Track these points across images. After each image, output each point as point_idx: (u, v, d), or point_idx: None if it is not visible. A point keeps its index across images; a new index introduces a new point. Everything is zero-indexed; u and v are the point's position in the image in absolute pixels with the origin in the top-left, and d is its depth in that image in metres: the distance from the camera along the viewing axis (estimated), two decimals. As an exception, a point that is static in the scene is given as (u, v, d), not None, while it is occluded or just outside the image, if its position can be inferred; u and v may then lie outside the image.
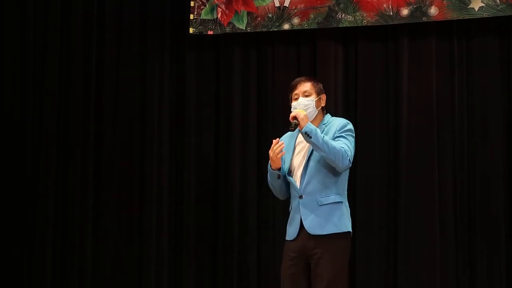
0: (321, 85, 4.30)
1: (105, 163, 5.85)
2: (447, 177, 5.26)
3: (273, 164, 4.13)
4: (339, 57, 5.53)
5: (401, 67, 5.37)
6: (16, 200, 5.89)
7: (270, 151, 4.11)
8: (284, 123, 4.20)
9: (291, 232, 4.13)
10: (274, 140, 4.13)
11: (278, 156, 4.09)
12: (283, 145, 4.10)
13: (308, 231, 4.04)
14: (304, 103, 4.15)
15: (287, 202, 4.29)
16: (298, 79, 4.28)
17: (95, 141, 5.87)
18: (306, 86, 4.21)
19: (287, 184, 4.23)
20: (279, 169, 4.16)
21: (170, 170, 5.77)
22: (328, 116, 4.27)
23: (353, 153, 4.10)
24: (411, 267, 5.23)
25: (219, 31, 5.67)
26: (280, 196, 4.30)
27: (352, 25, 5.40)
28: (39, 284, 5.79)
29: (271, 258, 5.41)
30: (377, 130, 5.43)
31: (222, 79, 5.76)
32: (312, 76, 4.42)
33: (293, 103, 4.20)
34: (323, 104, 4.25)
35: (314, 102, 4.17)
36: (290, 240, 4.13)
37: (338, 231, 4.03)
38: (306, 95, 4.19)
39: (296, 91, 4.21)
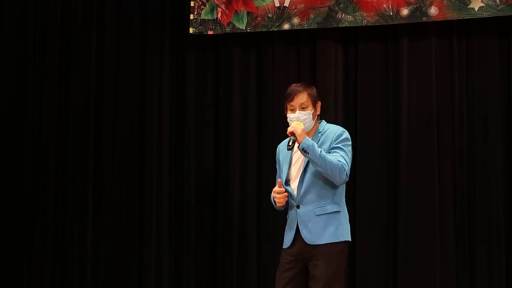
0: (315, 90, 4.24)
1: (105, 163, 5.86)
2: (447, 177, 5.26)
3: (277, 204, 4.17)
4: (339, 57, 5.52)
5: (401, 67, 5.36)
6: (16, 200, 5.89)
7: (273, 193, 4.14)
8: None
9: (287, 240, 4.14)
10: (278, 182, 4.12)
11: (280, 204, 4.12)
12: (287, 197, 4.12)
13: (305, 241, 4.05)
14: (302, 117, 4.11)
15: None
16: (294, 89, 4.17)
17: (95, 141, 5.87)
18: (303, 97, 4.14)
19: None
20: (282, 207, 4.19)
21: (170, 170, 5.77)
22: (323, 123, 4.24)
23: (350, 165, 4.09)
24: (411, 267, 5.23)
25: (219, 31, 5.67)
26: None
27: (352, 25, 5.40)
28: (39, 284, 5.80)
29: (271, 259, 5.40)
30: (377, 130, 5.43)
31: (222, 79, 5.76)
32: (306, 83, 4.30)
33: (290, 115, 4.16)
34: (318, 113, 4.21)
35: (311, 115, 4.14)
36: (286, 248, 4.14)
37: (335, 241, 4.03)
38: (302, 107, 4.13)
39: (292, 103, 4.14)
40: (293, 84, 4.26)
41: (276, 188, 4.13)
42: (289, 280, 4.07)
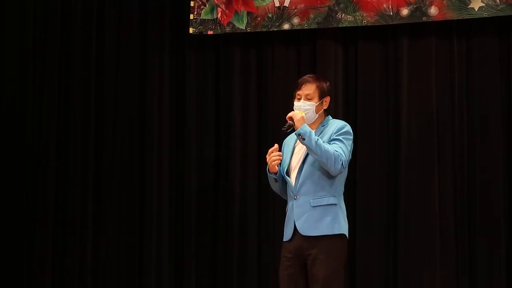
0: (328, 85, 4.24)
1: (105, 163, 5.86)
2: (447, 177, 5.26)
3: (270, 168, 4.16)
4: (339, 57, 5.52)
5: (401, 67, 5.37)
6: (16, 200, 5.89)
7: (267, 155, 4.13)
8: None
9: (287, 233, 4.13)
10: (274, 146, 4.13)
11: (273, 163, 4.11)
12: (281, 156, 4.13)
13: (300, 232, 4.04)
14: (304, 107, 4.13)
15: (286, 202, 4.30)
16: (304, 78, 4.22)
17: (95, 141, 5.87)
18: (310, 88, 4.16)
19: (286, 185, 4.23)
20: (276, 173, 4.17)
21: (170, 170, 5.78)
22: (328, 117, 4.25)
23: (348, 157, 4.09)
24: (411, 267, 5.23)
25: (219, 31, 5.67)
26: (283, 196, 4.31)
27: (352, 25, 5.40)
28: (39, 284, 5.80)
29: (271, 258, 5.40)
30: (377, 130, 5.43)
31: (222, 79, 5.76)
32: (319, 76, 4.32)
33: (295, 103, 4.19)
34: (325, 107, 4.21)
35: (314, 107, 4.14)
36: (286, 241, 4.13)
37: (330, 233, 4.02)
38: (308, 98, 4.15)
39: (299, 92, 4.17)
40: (307, 75, 4.28)
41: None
42: (290, 278, 4.07)
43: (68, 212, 5.85)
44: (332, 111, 5.37)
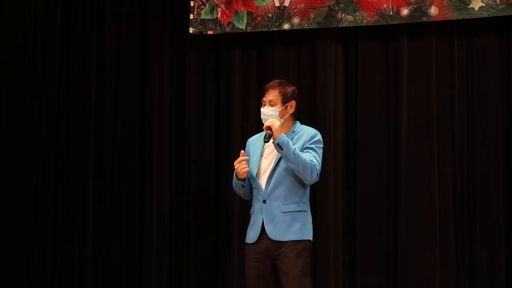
0: (293, 89, 4.24)
1: (105, 163, 5.86)
2: (447, 177, 5.27)
3: (239, 175, 4.17)
4: (339, 57, 5.53)
5: (401, 67, 5.37)
6: (16, 200, 5.89)
7: (235, 163, 4.14)
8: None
9: (252, 235, 4.17)
10: (241, 153, 4.15)
11: (242, 171, 4.12)
12: (247, 167, 4.12)
13: (270, 236, 4.08)
14: (268, 113, 4.15)
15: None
16: (270, 84, 4.24)
17: (95, 141, 5.87)
18: (273, 94, 4.17)
19: (251, 187, 4.25)
20: (244, 180, 4.19)
21: (170, 170, 5.78)
22: (297, 124, 4.26)
23: (321, 166, 4.13)
24: (411, 267, 5.23)
25: (219, 31, 5.67)
26: (245, 198, 4.35)
27: (352, 25, 5.40)
28: (39, 284, 5.80)
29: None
30: (377, 130, 5.43)
31: (222, 79, 5.76)
32: (284, 81, 4.31)
33: (261, 109, 4.21)
34: (290, 112, 4.20)
35: (277, 112, 4.14)
36: (252, 243, 4.17)
37: (299, 239, 4.08)
38: (271, 104, 4.17)
39: (264, 98, 4.21)
40: (273, 80, 4.31)
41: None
42: (260, 278, 4.12)
43: (68, 212, 5.85)
44: (332, 111, 5.40)
